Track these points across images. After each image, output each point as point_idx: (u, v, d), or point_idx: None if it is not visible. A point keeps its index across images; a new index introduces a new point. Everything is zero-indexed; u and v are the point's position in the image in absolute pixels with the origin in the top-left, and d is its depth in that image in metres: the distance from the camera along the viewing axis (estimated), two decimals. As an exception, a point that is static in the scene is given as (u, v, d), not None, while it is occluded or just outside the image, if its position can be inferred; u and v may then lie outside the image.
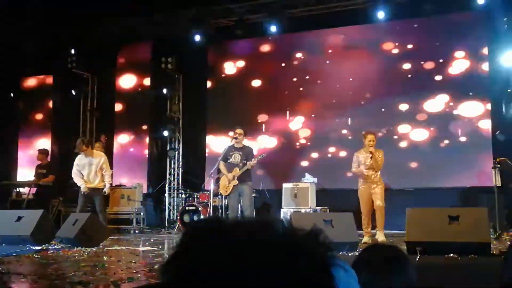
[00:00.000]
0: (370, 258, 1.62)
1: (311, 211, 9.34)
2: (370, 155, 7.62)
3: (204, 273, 0.82)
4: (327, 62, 11.23)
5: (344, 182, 10.63)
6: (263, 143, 11.40)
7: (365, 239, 7.55)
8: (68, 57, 11.99)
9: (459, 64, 10.20)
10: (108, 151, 11.94)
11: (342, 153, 10.82)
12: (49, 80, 13.31)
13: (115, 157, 12.13)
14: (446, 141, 10.14)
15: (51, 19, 11.46)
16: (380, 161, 7.67)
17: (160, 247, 7.26)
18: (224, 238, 0.86)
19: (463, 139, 10.04)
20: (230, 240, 0.85)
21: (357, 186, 10.07)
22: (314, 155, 11.10)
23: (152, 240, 8.39)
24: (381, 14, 10.04)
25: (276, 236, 0.86)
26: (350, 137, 10.79)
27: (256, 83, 11.76)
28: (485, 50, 10.04)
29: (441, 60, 10.35)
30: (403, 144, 10.38)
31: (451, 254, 5.28)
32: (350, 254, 5.84)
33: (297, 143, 11.29)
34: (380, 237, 7.53)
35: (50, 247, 6.88)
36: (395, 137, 10.42)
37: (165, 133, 11.89)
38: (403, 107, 10.51)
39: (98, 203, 8.60)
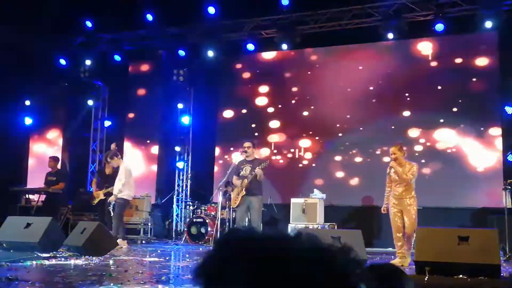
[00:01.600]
0: (369, 277, 1.60)
1: (319, 227, 9.31)
2: (390, 170, 7.24)
3: (235, 280, 0.83)
4: (337, 78, 11.25)
5: (352, 199, 10.64)
6: (272, 157, 11.41)
7: (396, 260, 6.93)
8: (81, 66, 12.12)
9: (470, 85, 10.19)
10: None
11: (351, 171, 10.82)
12: (63, 88, 13.41)
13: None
14: (457, 161, 10.09)
15: (63, 26, 11.61)
16: (407, 175, 7.10)
17: (167, 258, 7.26)
18: (259, 249, 0.88)
19: (474, 159, 9.99)
20: (266, 251, 0.87)
21: (366, 203, 10.07)
22: (323, 171, 11.08)
23: (159, 251, 8.38)
24: (391, 34, 10.07)
25: (309, 250, 0.87)
26: (358, 156, 10.79)
27: (265, 99, 11.81)
28: (497, 72, 10.03)
29: (452, 81, 10.35)
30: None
31: (460, 275, 5.23)
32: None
33: (306, 159, 11.28)
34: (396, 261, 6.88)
35: (58, 255, 6.89)
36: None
37: (176, 147, 11.98)
38: (414, 127, 10.50)
39: (115, 210, 9.04)
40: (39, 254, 6.75)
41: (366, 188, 10.63)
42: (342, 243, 0.91)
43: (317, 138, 11.27)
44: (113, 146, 10.73)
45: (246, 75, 12.17)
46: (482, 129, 10.02)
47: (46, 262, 6.01)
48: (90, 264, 6.02)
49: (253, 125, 11.79)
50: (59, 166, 10.76)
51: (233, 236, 0.94)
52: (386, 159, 10.35)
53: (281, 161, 11.46)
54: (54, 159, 10.60)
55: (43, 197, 10.10)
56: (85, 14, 11.60)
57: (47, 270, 5.45)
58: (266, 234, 0.93)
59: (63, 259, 6.47)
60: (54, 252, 7.04)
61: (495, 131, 9.92)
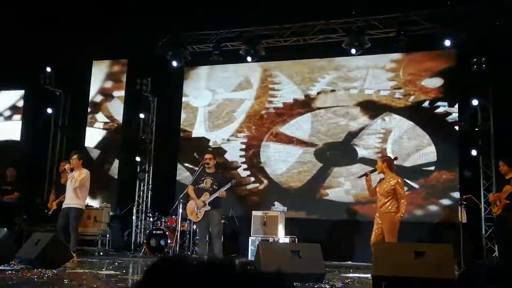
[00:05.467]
0: None
1: (280, 240, 9.30)
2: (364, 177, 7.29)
3: None
4: (301, 90, 11.36)
5: (313, 212, 10.70)
6: (234, 169, 11.38)
7: None
8: (41, 73, 11.85)
9: (429, 100, 10.43)
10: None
11: (314, 184, 10.88)
12: (21, 94, 13.12)
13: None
14: (415, 177, 10.27)
15: (25, 33, 11.37)
16: (382, 188, 7.13)
17: (124, 271, 7.10)
18: (189, 277, 0.85)
19: (431, 175, 10.18)
20: (196, 280, 0.84)
21: (327, 216, 10.10)
22: (285, 184, 11.11)
23: (116, 264, 8.20)
24: (353, 49, 10.23)
25: (239, 280, 0.85)
26: (322, 169, 10.87)
27: (230, 108, 11.80)
28: (454, 89, 10.30)
29: (412, 97, 10.58)
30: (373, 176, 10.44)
31: (416, 290, 5.29)
32: (316, 286, 5.82)
33: (268, 171, 11.28)
34: None
35: (9, 268, 6.65)
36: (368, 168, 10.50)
37: (137, 157, 11.79)
38: (374, 140, 10.66)
39: (71, 224, 8.16)
40: (-11, 266, 6.50)
41: (328, 201, 10.71)
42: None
43: (281, 149, 11.28)
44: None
45: (212, 85, 12.12)
46: (439, 145, 10.24)
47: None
48: (43, 277, 5.83)
49: (217, 137, 11.73)
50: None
51: (163, 264, 0.91)
52: (347, 172, 10.50)
53: (244, 174, 11.42)
54: (14, 169, 10.35)
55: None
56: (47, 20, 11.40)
57: (-3, 284, 5.24)
58: (197, 262, 0.90)
59: (14, 272, 6.25)
60: (6, 265, 6.79)
61: (452, 148, 10.14)
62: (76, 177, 8.19)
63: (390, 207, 7.06)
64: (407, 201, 7.18)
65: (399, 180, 7.16)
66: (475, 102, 9.83)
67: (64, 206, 8.34)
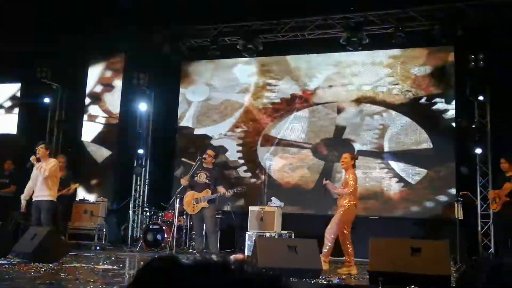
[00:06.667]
0: None
1: (276, 236, 9.32)
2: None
3: None
4: (298, 85, 11.36)
5: (310, 207, 10.72)
6: (234, 166, 11.39)
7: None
8: (38, 67, 11.79)
9: (425, 97, 10.44)
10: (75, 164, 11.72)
11: (310, 178, 10.89)
12: (16, 88, 13.07)
13: (81, 171, 11.89)
14: (412, 173, 10.29)
15: (24, 27, 11.32)
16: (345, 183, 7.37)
17: (121, 265, 7.11)
18: (181, 279, 0.84)
19: (428, 172, 10.20)
20: (185, 282, 0.83)
21: (324, 211, 10.15)
22: (281, 179, 11.12)
23: (113, 258, 8.20)
24: (351, 45, 10.20)
25: (234, 281, 0.84)
26: (319, 165, 10.88)
27: (227, 103, 11.79)
28: (451, 86, 10.31)
29: (408, 93, 10.58)
30: (370, 173, 10.48)
31: (413, 286, 5.31)
32: (312, 282, 5.84)
33: (265, 166, 11.29)
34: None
35: (6, 262, 6.65)
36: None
37: (139, 150, 11.76)
38: (371, 136, 10.67)
39: (43, 218, 7.69)
40: (-15, 260, 6.50)
41: (324, 197, 10.72)
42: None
43: (278, 147, 11.29)
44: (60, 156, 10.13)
45: (209, 79, 12.11)
46: (436, 141, 10.25)
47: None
48: (40, 271, 5.83)
49: (212, 132, 11.73)
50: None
51: (155, 264, 0.91)
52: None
53: (241, 169, 11.42)
54: (11, 162, 10.32)
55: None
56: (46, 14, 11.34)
57: (-7, 278, 5.24)
58: (191, 262, 0.89)
59: (11, 266, 6.24)
60: (2, 259, 6.79)
61: (449, 144, 10.16)
62: (45, 167, 7.67)
63: (343, 200, 7.19)
64: (353, 195, 7.24)
65: (355, 176, 7.29)
66: (472, 98, 9.83)
67: (34, 199, 7.84)
